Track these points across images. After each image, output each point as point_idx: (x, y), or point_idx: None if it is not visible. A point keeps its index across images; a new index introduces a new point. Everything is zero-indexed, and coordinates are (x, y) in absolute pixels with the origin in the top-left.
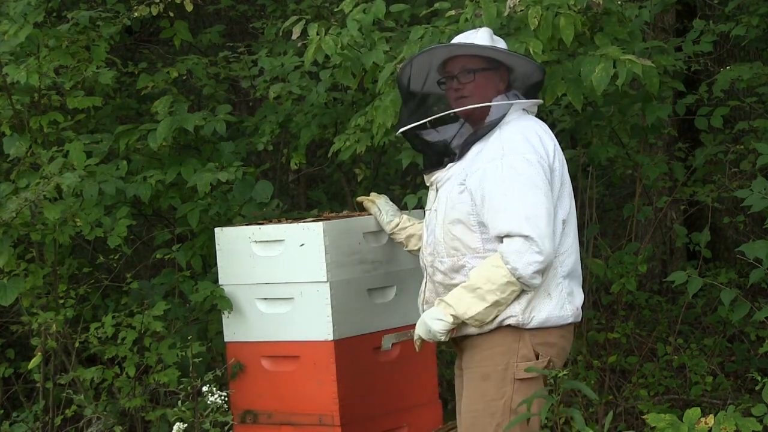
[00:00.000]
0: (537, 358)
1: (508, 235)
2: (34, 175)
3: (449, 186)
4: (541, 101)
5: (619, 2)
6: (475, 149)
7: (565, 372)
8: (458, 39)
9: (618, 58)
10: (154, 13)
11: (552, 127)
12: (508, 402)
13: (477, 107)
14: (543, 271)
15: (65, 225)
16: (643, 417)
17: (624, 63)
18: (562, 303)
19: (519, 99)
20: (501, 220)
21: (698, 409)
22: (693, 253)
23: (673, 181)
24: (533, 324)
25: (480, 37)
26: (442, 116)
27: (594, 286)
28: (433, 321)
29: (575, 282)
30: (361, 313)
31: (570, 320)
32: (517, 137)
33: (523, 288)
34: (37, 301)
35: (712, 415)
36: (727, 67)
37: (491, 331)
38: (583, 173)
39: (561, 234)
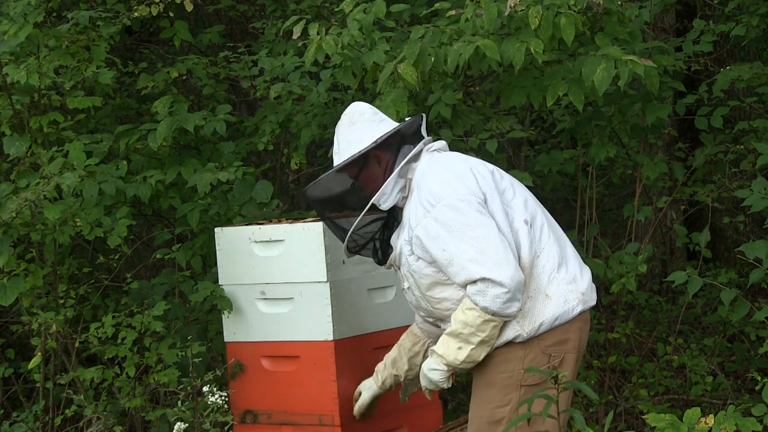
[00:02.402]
0: (548, 361)
1: (466, 283)
2: (34, 175)
3: (404, 261)
4: (415, 147)
5: (619, 2)
6: (405, 215)
7: (565, 372)
8: (340, 132)
9: (619, 58)
10: (154, 13)
11: (552, 126)
12: (514, 408)
13: (368, 206)
14: (514, 297)
15: (65, 225)
16: (643, 417)
17: (626, 63)
18: (564, 297)
19: (411, 150)
20: (453, 274)
21: (698, 409)
22: (693, 253)
23: (673, 181)
24: (543, 329)
25: (342, 138)
26: (360, 215)
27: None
28: (430, 372)
29: (573, 265)
30: (361, 313)
31: (578, 310)
32: (431, 188)
33: (503, 320)
34: (37, 301)
35: (712, 415)
36: (727, 67)
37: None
38: (583, 173)
39: (530, 234)
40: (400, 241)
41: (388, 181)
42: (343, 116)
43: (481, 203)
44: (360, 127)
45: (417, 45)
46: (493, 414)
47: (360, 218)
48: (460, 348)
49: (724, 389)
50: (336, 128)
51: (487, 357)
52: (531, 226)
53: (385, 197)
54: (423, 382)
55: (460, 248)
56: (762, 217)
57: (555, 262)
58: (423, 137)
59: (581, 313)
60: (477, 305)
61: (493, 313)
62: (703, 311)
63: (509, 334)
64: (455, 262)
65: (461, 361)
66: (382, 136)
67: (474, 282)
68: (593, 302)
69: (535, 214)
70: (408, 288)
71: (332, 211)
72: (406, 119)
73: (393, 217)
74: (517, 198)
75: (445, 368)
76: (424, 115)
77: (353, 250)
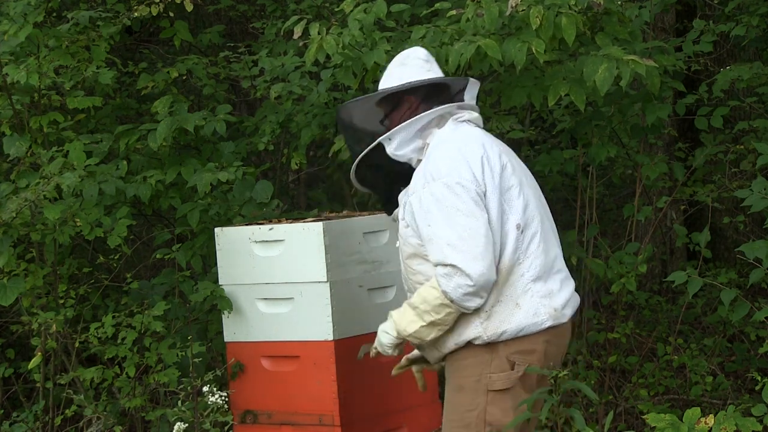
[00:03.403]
0: (512, 368)
1: (437, 264)
2: (34, 175)
3: (400, 221)
4: (442, 107)
5: (619, 2)
6: (413, 178)
7: (565, 372)
8: (389, 68)
9: (621, 58)
10: (154, 13)
11: (552, 126)
12: (481, 414)
13: (374, 144)
14: (477, 294)
15: (65, 225)
16: (643, 417)
17: (627, 63)
18: (534, 309)
19: (435, 110)
20: (430, 251)
21: (698, 409)
22: (693, 253)
23: (673, 181)
24: (506, 337)
25: (387, 74)
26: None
27: (594, 286)
28: (382, 334)
29: (555, 280)
30: (361, 313)
31: (548, 324)
32: (437, 162)
33: (460, 310)
34: (37, 301)
35: (712, 415)
36: (727, 67)
37: (466, 345)
38: (583, 173)
39: (518, 239)
40: (402, 201)
41: (399, 126)
42: (398, 55)
43: (479, 194)
44: (407, 69)
45: (419, 45)
46: (462, 418)
47: (366, 152)
48: (412, 321)
49: (724, 389)
50: (389, 65)
51: (456, 360)
52: (522, 232)
53: (393, 143)
54: (376, 342)
55: (443, 229)
56: (762, 217)
57: (534, 274)
58: (461, 100)
59: (551, 328)
60: (440, 286)
61: (451, 300)
62: (703, 311)
63: (470, 333)
64: (435, 241)
65: (409, 334)
66: (418, 81)
67: (445, 265)
68: (565, 319)
69: (531, 222)
70: (398, 247)
71: (350, 135)
72: (450, 77)
73: (406, 175)
74: (519, 200)
75: (395, 335)
76: (475, 81)
77: (359, 180)
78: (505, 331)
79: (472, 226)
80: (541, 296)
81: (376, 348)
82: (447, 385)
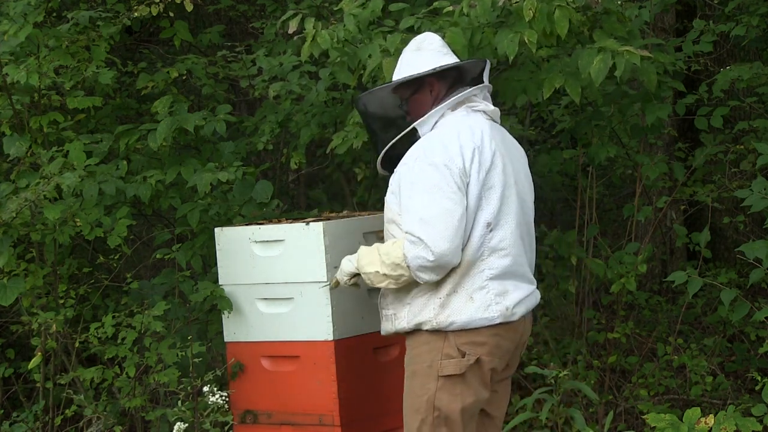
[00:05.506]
0: (463, 357)
1: (407, 232)
2: (34, 175)
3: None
4: (468, 89)
5: (619, 2)
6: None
7: (565, 372)
8: (404, 54)
9: (616, 49)
10: (154, 13)
11: (552, 126)
12: (431, 398)
13: (409, 129)
14: (433, 270)
15: (65, 225)
16: (643, 417)
17: (622, 55)
18: (487, 305)
19: (461, 93)
20: (404, 221)
21: (698, 409)
22: (693, 253)
23: (673, 181)
24: (454, 327)
25: (404, 60)
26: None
27: (594, 286)
28: (345, 261)
29: (513, 281)
30: (361, 313)
31: (498, 321)
32: (433, 141)
33: (413, 278)
34: (37, 301)
35: (712, 415)
36: (727, 67)
37: (419, 331)
38: (583, 173)
39: (484, 236)
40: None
41: (434, 110)
42: (411, 42)
43: (464, 182)
44: (424, 54)
45: (408, 35)
46: (413, 403)
47: (397, 138)
48: (371, 263)
49: (724, 389)
50: (402, 51)
51: (411, 348)
52: (490, 231)
53: (426, 125)
54: (339, 269)
55: (421, 204)
56: (762, 217)
57: (494, 273)
58: (481, 82)
59: (502, 324)
60: (404, 249)
61: (408, 266)
62: (703, 311)
63: (423, 316)
64: (410, 211)
65: (365, 273)
66: (443, 66)
67: (413, 235)
68: (516, 317)
69: (503, 224)
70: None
71: (375, 123)
72: (470, 59)
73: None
74: (497, 201)
75: (354, 266)
76: (488, 60)
77: (386, 168)
78: (454, 322)
79: (449, 207)
80: (496, 294)
81: (335, 276)
82: (405, 373)
